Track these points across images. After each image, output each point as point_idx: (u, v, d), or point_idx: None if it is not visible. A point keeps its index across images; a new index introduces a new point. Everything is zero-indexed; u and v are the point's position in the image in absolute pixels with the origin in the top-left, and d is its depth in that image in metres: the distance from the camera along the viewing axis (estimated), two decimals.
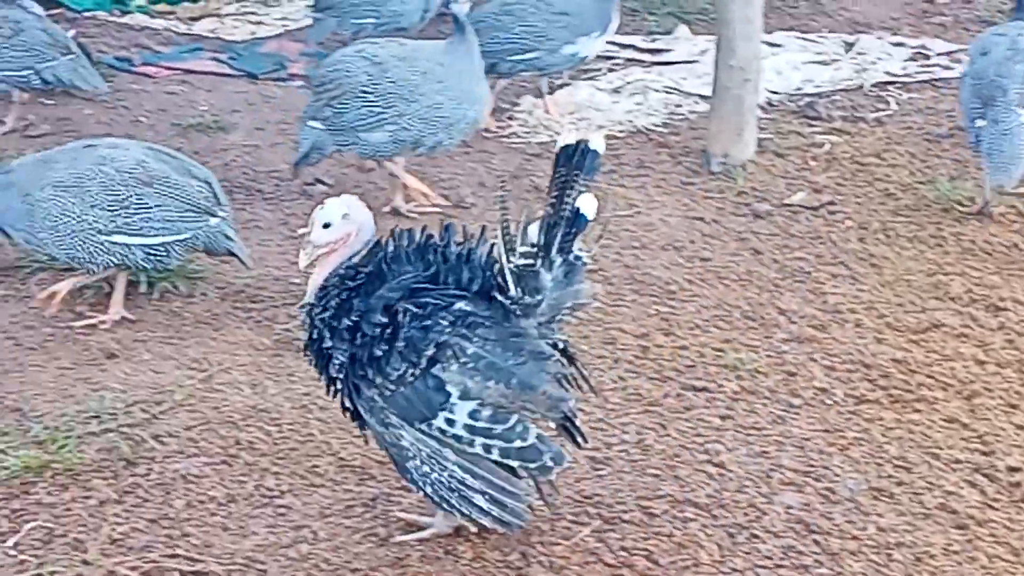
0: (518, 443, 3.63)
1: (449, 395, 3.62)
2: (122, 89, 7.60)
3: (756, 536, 3.93)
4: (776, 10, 8.64)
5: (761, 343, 4.98)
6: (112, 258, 5.03)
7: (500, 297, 3.63)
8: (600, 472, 4.23)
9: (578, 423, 3.85)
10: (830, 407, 4.59)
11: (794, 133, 6.95)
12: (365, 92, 5.88)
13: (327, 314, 3.71)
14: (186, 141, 6.93)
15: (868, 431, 4.45)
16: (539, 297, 3.62)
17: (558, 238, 3.62)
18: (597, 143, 3.63)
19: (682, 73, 7.70)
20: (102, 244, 4.98)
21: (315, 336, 3.75)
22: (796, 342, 4.99)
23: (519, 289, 3.61)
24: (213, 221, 5.14)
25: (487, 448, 3.64)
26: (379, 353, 3.62)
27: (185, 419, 4.48)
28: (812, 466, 4.26)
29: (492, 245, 3.72)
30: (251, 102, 7.56)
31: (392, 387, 3.63)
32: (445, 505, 3.75)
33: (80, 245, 4.97)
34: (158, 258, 5.08)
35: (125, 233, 5.00)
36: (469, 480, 3.69)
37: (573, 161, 3.61)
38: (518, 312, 3.64)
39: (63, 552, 3.82)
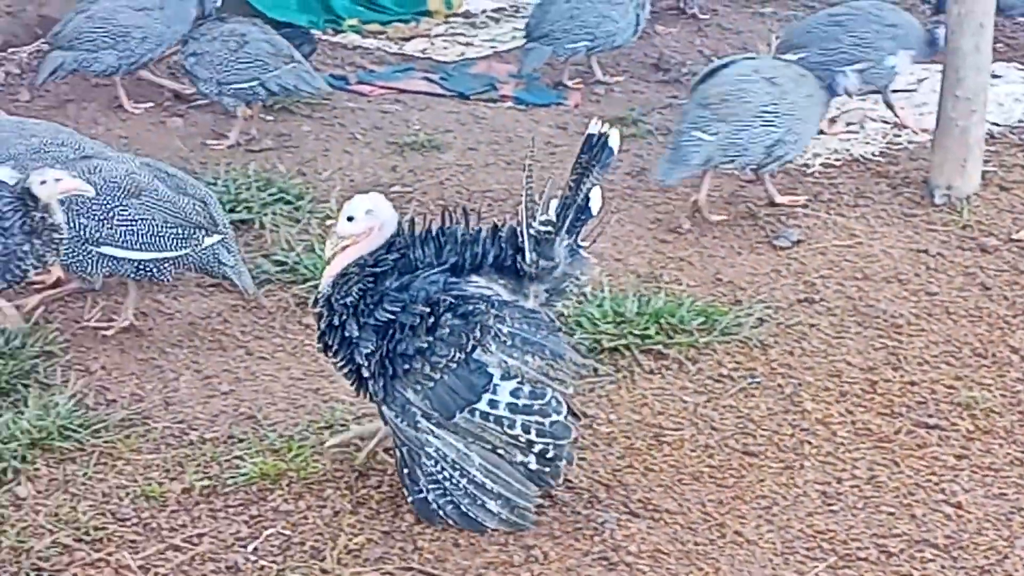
0: (553, 416, 3.88)
1: (491, 376, 3.85)
2: (338, 107, 7.75)
3: None
4: (995, 41, 8.40)
5: (994, 382, 4.84)
6: (105, 269, 4.98)
7: (518, 260, 3.90)
8: (832, 507, 4.16)
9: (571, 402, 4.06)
10: None
11: (1019, 167, 6.75)
12: (765, 112, 6.03)
13: (349, 299, 3.90)
14: (401, 159, 7.04)
15: None
16: (554, 262, 3.92)
17: (569, 219, 3.94)
18: (615, 140, 3.94)
19: (899, 102, 7.54)
20: (91, 254, 4.93)
21: (336, 323, 3.92)
22: None
23: (534, 253, 3.89)
24: (208, 241, 5.05)
25: (526, 428, 3.87)
26: (424, 344, 3.82)
27: None
28: None
29: (494, 224, 4.03)
30: (463, 122, 7.64)
31: (436, 376, 3.84)
32: (442, 512, 3.96)
33: (71, 254, 4.90)
34: (148, 274, 5.01)
35: (112, 245, 4.92)
36: (488, 484, 3.93)
37: (593, 152, 3.92)
38: (533, 274, 3.92)
39: (301, 560, 3.90)
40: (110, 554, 3.90)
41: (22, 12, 8.92)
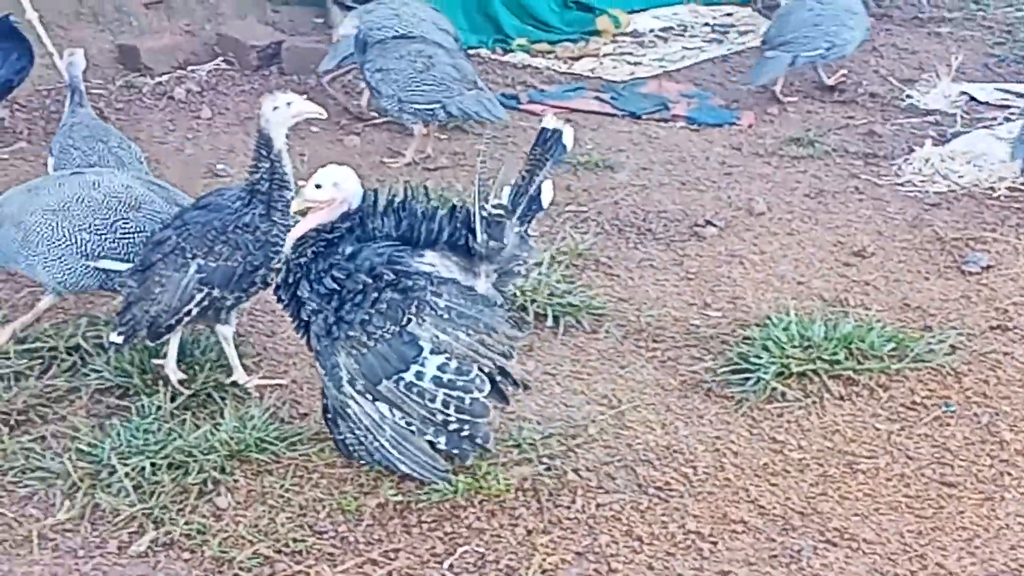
0: (475, 394, 4.13)
1: (421, 349, 4.10)
2: (510, 126, 7.78)
3: None
4: None
5: None
6: (95, 283, 4.93)
7: (471, 240, 4.12)
8: None
9: (511, 371, 4.38)
10: None
11: None
12: None
13: (303, 259, 4.19)
14: (576, 179, 7.04)
15: None
16: (504, 243, 4.15)
17: (521, 206, 4.19)
18: (568, 137, 4.20)
19: None
20: (88, 269, 4.88)
21: (290, 280, 4.22)
22: None
23: (485, 234, 4.11)
24: None
25: (446, 403, 4.12)
26: (365, 316, 4.08)
27: (601, 454, 4.52)
28: None
29: (452, 204, 4.29)
30: (635, 142, 7.62)
31: (370, 344, 4.10)
32: (356, 455, 4.30)
33: (69, 270, 4.87)
34: None
35: (111, 258, 4.87)
36: (396, 453, 4.21)
37: (547, 146, 4.18)
38: (483, 254, 4.14)
39: None
40: (310, 566, 3.95)
41: (201, 31, 9.17)
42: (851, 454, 4.52)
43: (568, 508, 4.23)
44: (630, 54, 9.30)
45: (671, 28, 9.85)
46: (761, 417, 4.74)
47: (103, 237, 4.88)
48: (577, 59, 9.16)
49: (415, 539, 4.08)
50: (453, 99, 7.10)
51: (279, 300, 4.34)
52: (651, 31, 9.74)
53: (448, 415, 4.16)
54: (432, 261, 4.17)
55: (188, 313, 4.63)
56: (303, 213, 4.30)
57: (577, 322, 5.42)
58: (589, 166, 7.18)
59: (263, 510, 4.18)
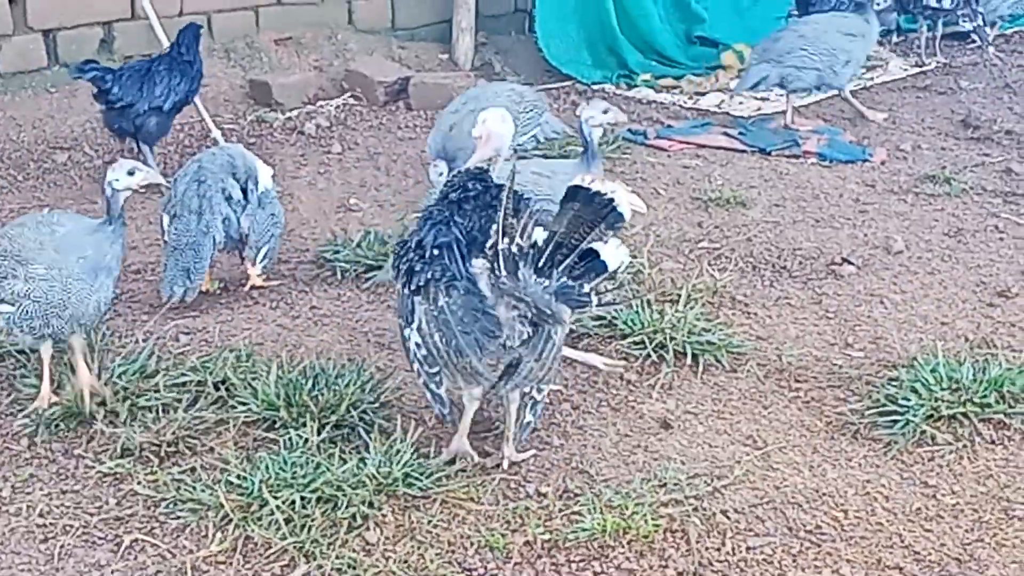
0: (434, 388, 4.43)
1: (412, 321, 4.38)
2: (639, 161, 7.78)
3: None
4: None
5: None
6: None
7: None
8: None
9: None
10: None
11: None
12: None
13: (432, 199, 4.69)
14: (707, 215, 7.00)
15: None
16: (518, 282, 4.10)
17: (564, 263, 4.07)
18: (623, 207, 4.06)
19: None
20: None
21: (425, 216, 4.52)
22: None
23: (498, 267, 4.12)
24: None
25: (418, 373, 4.45)
26: (399, 266, 4.44)
27: (748, 496, 4.46)
28: None
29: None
30: (766, 178, 7.56)
31: (402, 291, 4.42)
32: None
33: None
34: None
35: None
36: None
37: (593, 208, 4.04)
38: (493, 283, 4.17)
39: None
40: None
41: (329, 67, 9.30)
42: (1006, 500, 4.41)
43: (718, 551, 4.17)
44: None
45: None
46: (911, 461, 4.65)
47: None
48: (703, 94, 9.13)
49: None
50: (544, 123, 7.06)
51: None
52: None
53: (424, 381, 4.46)
54: (479, 268, 4.26)
55: None
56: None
57: (717, 360, 5.36)
58: (720, 202, 7.14)
59: (412, 546, 4.18)
